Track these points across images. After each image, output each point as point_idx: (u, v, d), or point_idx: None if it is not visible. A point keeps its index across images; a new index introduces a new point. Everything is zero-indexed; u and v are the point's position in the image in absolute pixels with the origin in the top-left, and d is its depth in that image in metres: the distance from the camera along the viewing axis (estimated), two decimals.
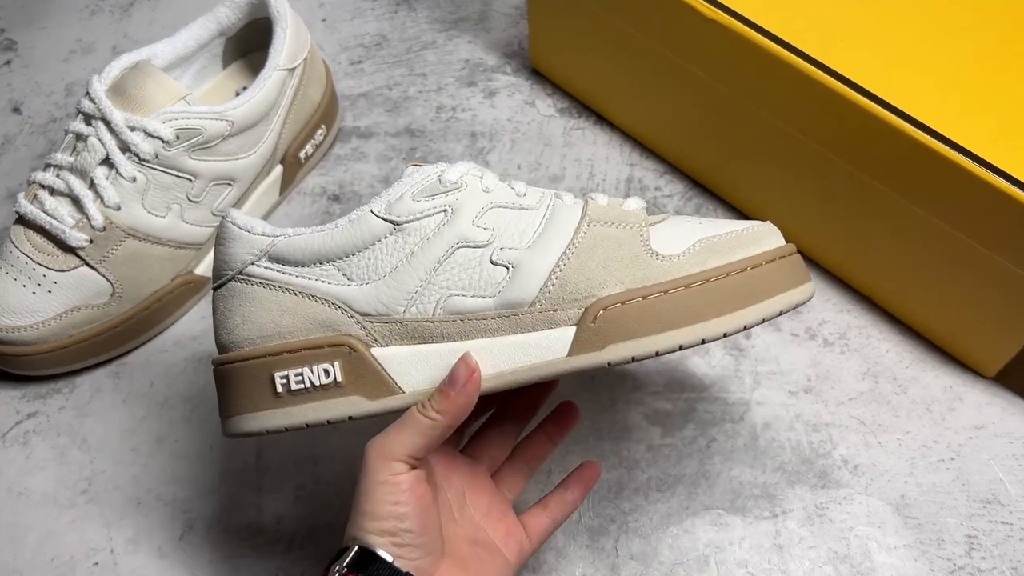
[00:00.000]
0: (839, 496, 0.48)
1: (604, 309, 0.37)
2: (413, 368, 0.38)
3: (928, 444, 0.49)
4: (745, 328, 0.38)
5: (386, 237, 0.39)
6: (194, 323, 0.55)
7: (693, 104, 0.55)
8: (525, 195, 0.40)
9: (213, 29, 0.57)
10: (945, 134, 0.44)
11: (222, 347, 0.40)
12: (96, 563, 0.47)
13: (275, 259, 0.39)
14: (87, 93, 0.51)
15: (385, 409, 0.38)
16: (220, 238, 0.40)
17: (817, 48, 0.47)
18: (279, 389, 0.38)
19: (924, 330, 0.53)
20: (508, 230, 0.39)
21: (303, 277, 0.39)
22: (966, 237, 0.46)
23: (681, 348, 0.38)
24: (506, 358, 0.38)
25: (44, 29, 0.71)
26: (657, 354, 0.38)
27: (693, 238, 0.39)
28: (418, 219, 0.39)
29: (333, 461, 0.50)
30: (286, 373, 0.38)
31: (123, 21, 0.71)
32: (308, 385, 0.38)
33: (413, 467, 0.36)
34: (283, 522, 0.48)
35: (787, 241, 0.41)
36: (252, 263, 0.39)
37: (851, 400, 0.51)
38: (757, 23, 0.48)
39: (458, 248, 0.39)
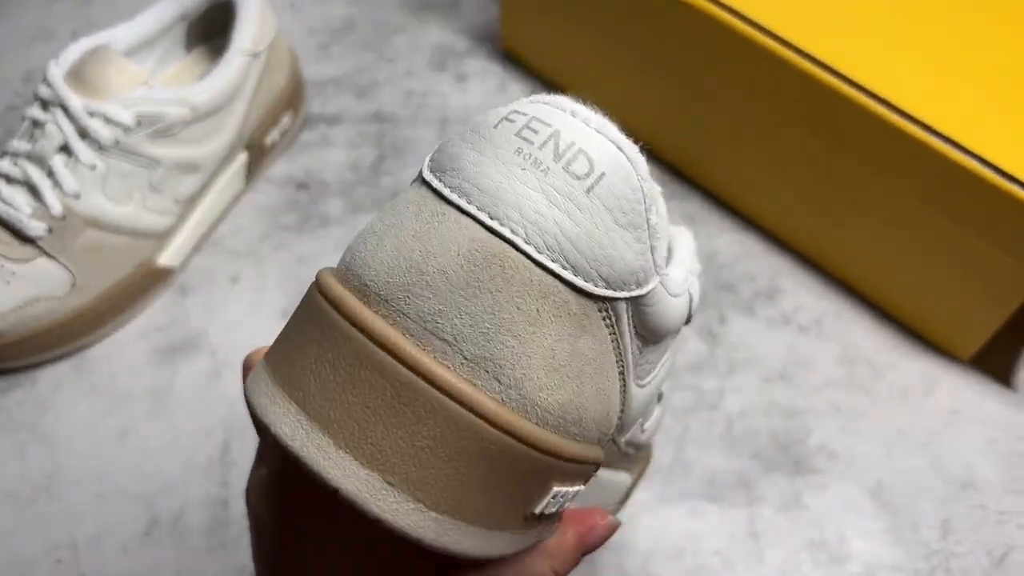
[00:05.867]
0: (815, 483, 0.47)
1: None
2: None
3: (904, 429, 0.49)
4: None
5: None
6: (157, 314, 0.54)
7: (668, 88, 0.55)
8: None
9: (175, 12, 0.56)
10: (918, 116, 0.44)
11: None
12: (59, 560, 0.46)
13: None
14: (44, 78, 0.49)
15: None
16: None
17: (794, 32, 0.47)
18: (537, 511, 0.24)
19: (900, 315, 0.52)
20: None
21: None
22: (941, 218, 0.46)
23: None
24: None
25: (2, 16, 0.69)
26: None
27: None
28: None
29: None
30: (564, 491, 0.25)
31: (85, 6, 0.69)
32: (556, 510, 0.25)
33: None
34: None
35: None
36: None
37: (827, 386, 0.50)
38: (731, 5, 0.48)
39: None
